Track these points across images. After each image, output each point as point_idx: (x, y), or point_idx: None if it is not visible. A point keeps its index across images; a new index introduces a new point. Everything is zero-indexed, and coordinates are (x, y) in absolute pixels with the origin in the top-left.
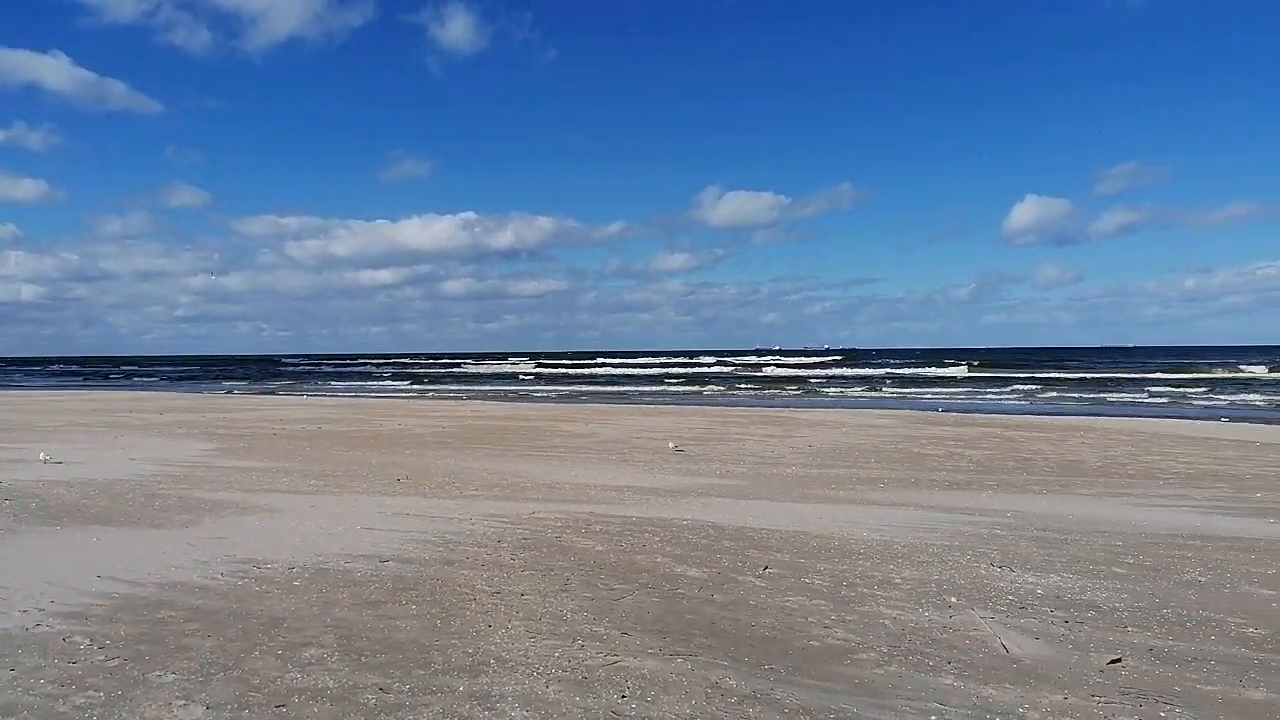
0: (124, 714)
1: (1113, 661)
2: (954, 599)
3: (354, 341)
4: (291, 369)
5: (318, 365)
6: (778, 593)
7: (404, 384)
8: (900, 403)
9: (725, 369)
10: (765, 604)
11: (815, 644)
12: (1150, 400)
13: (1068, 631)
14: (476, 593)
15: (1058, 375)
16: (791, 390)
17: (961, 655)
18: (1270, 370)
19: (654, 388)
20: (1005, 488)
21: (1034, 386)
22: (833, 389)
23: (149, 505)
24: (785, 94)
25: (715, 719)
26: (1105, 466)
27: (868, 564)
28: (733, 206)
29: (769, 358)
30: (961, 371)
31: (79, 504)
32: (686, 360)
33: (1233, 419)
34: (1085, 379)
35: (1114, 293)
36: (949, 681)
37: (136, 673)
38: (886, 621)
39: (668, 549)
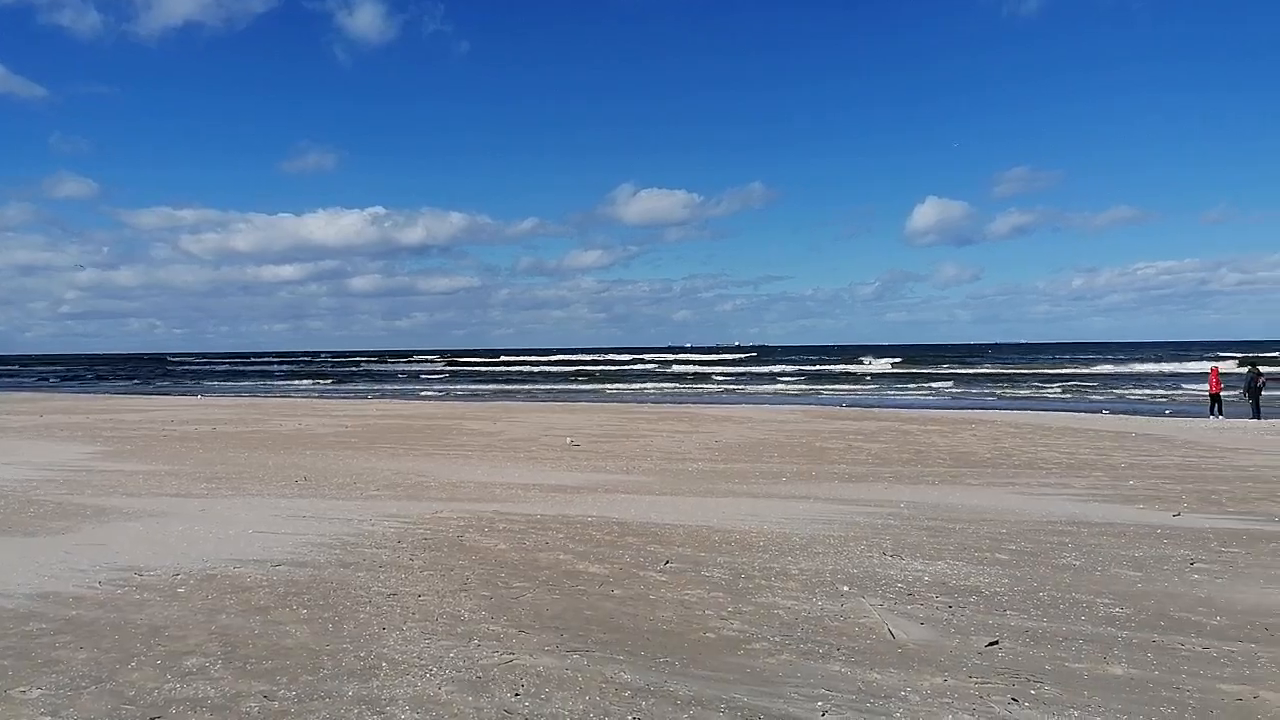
0: None
1: (991, 644)
2: (846, 588)
3: (255, 339)
4: (186, 367)
5: (215, 364)
6: (678, 586)
7: (307, 383)
8: (806, 398)
9: (638, 366)
10: (665, 598)
11: (711, 636)
12: (1039, 395)
13: (951, 616)
14: (372, 595)
15: (974, 371)
16: (701, 387)
17: (850, 642)
18: (1143, 363)
19: (565, 385)
20: (900, 479)
21: (948, 384)
22: (741, 386)
23: (23, 512)
24: (698, 93)
25: (609, 713)
26: (994, 458)
27: (766, 556)
28: (646, 204)
29: (681, 355)
30: (884, 368)
31: None
32: (599, 358)
33: (1113, 411)
34: (993, 374)
35: (1008, 291)
36: (837, 668)
37: None
38: (781, 612)
39: (570, 546)
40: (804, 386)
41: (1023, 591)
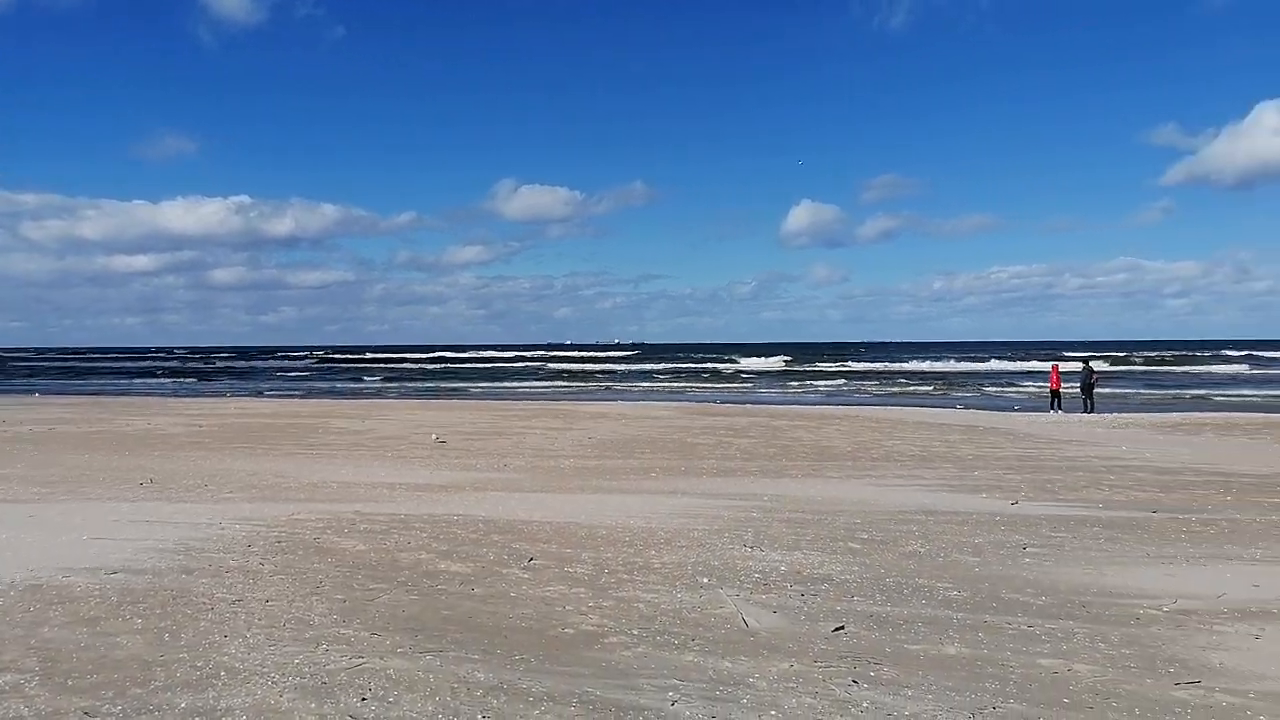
0: None
1: (837, 629)
2: (706, 579)
3: (105, 334)
4: (24, 363)
5: (58, 359)
6: (540, 583)
7: (162, 380)
8: (682, 395)
9: (516, 363)
10: (526, 595)
11: (570, 631)
12: (902, 391)
13: (802, 604)
14: (215, 602)
15: (842, 368)
16: (580, 384)
17: (706, 632)
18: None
19: (441, 383)
20: (765, 473)
21: (820, 381)
22: (619, 383)
23: None
24: (580, 90)
25: (458, 713)
26: (853, 451)
27: (631, 551)
28: (527, 200)
29: (561, 352)
30: (762, 365)
31: None
32: (477, 354)
33: (966, 407)
34: (861, 371)
35: (875, 292)
36: (691, 658)
37: None
38: (641, 605)
39: (433, 545)
40: (681, 384)
41: (870, 578)
